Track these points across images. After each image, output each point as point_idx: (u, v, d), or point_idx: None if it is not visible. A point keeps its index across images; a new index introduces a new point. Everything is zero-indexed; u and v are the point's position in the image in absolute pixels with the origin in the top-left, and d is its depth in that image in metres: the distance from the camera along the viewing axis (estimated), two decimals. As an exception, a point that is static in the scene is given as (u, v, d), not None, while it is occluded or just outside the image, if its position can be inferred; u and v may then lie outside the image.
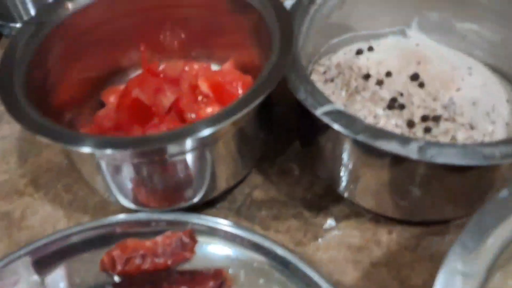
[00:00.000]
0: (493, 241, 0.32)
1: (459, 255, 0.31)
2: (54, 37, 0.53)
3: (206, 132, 0.41)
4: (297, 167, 0.57)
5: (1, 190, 0.57)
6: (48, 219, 0.54)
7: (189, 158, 0.46)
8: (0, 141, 0.63)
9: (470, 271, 0.30)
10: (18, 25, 0.72)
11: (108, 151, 0.41)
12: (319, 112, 0.42)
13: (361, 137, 0.40)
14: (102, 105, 0.60)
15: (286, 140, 0.60)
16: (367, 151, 0.44)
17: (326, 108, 0.42)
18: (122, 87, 0.59)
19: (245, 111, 0.43)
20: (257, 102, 0.43)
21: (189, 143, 0.43)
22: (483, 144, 0.40)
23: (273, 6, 0.51)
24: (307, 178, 0.56)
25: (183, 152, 0.45)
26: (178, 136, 0.42)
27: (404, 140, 0.39)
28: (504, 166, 0.43)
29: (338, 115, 0.42)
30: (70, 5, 0.54)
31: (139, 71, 0.62)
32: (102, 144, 0.41)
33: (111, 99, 0.59)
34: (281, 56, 0.46)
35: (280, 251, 0.46)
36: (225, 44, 0.61)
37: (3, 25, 0.72)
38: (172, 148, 0.43)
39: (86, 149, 0.41)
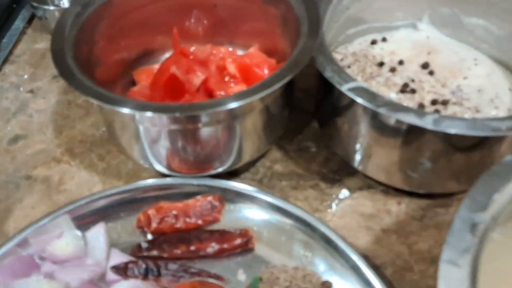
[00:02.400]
0: (499, 197, 0.37)
1: (469, 207, 0.36)
2: (97, 16, 0.57)
3: (236, 104, 0.46)
4: (314, 145, 0.62)
5: (39, 158, 0.61)
6: (84, 184, 0.58)
7: (219, 128, 0.50)
8: (36, 114, 0.67)
9: (479, 220, 0.35)
10: (51, 7, 0.76)
11: (148, 114, 0.45)
12: (345, 88, 0.47)
13: (382, 110, 0.45)
14: (133, 83, 0.65)
15: (303, 121, 0.65)
16: (384, 126, 0.48)
17: (351, 84, 0.47)
18: (152, 67, 0.64)
19: (274, 87, 0.47)
20: (286, 80, 0.48)
21: (220, 113, 0.47)
22: (490, 119, 0.44)
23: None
24: (323, 155, 0.61)
25: (214, 122, 0.49)
26: (212, 106, 0.47)
27: (421, 113, 0.44)
28: (505, 145, 0.48)
29: (362, 91, 0.47)
30: (112, -12, 0.58)
31: (167, 54, 0.67)
32: (142, 107, 0.46)
33: (143, 77, 0.64)
34: (309, 41, 0.51)
35: (300, 212, 0.51)
36: (251, 31, 0.65)
37: (36, 7, 0.77)
38: (205, 117, 0.48)
39: (127, 111, 0.45)
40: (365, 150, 0.53)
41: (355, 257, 0.48)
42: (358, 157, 0.55)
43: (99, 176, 0.59)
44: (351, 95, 0.46)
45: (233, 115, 0.50)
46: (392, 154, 0.51)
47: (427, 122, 0.43)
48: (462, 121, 0.44)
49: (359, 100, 0.46)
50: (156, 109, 0.45)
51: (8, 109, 0.68)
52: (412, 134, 0.47)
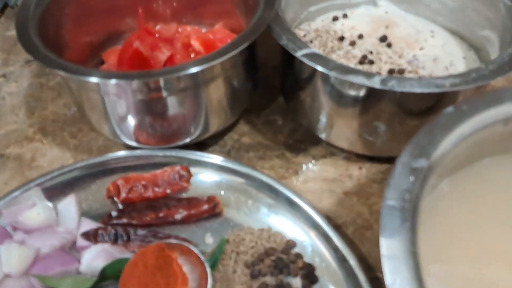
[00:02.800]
0: (440, 145, 0.39)
1: (411, 153, 0.38)
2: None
3: (196, 69, 0.47)
4: (280, 118, 0.64)
5: (11, 137, 0.63)
6: (56, 160, 0.60)
7: (184, 98, 0.52)
8: (8, 97, 0.68)
9: (419, 165, 0.38)
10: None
11: (113, 81, 0.47)
12: (299, 54, 0.49)
13: (333, 73, 0.47)
14: (102, 64, 0.66)
15: (271, 97, 0.67)
16: (340, 94, 0.51)
17: (305, 51, 0.49)
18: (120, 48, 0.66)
19: (232, 53, 0.49)
20: (242, 47, 0.50)
21: (181, 79, 0.49)
22: (434, 77, 0.47)
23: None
24: (289, 127, 0.63)
25: (178, 91, 0.51)
26: (171, 72, 0.48)
27: (369, 74, 0.47)
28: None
29: (315, 56, 0.49)
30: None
31: (136, 34, 0.68)
32: (108, 76, 0.47)
33: (112, 57, 0.66)
34: (265, 12, 0.53)
35: (265, 178, 0.53)
36: (214, 11, 0.68)
37: (8, -4, 0.78)
38: (166, 84, 0.49)
39: (94, 79, 0.47)
40: (327, 120, 0.55)
41: (317, 218, 0.50)
42: (321, 126, 0.57)
43: (71, 152, 0.61)
44: (305, 60, 0.48)
45: (195, 83, 0.51)
46: (351, 121, 0.53)
47: (374, 82, 0.46)
48: (408, 81, 0.46)
49: (312, 64, 0.48)
50: (117, 76, 0.47)
51: (-20, 93, 0.69)
52: (366, 99, 0.50)
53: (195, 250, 0.46)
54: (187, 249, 0.47)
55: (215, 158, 0.55)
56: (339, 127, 0.55)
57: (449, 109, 0.41)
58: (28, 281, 0.46)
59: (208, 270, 0.45)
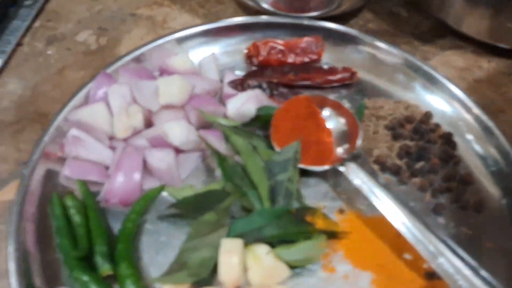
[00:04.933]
0: None
1: None
2: None
3: None
4: (404, 11, 0.64)
5: (141, 1, 0.64)
6: (187, 25, 0.61)
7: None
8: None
9: None
10: None
11: None
12: None
13: None
14: None
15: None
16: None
17: None
18: None
19: None
20: None
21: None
22: None
23: None
24: (414, 19, 0.63)
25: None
26: None
27: None
28: None
29: None
30: None
31: None
32: None
33: None
34: None
35: (403, 54, 0.54)
36: None
37: None
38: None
39: None
40: (464, 7, 0.55)
41: (455, 89, 0.51)
42: (455, 14, 0.57)
43: (200, 19, 0.62)
44: None
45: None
46: (495, 8, 0.53)
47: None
48: None
49: None
50: None
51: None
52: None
53: (346, 105, 0.48)
54: (338, 105, 0.49)
55: (351, 31, 0.56)
56: (478, 15, 0.55)
57: None
58: (183, 114, 0.48)
59: (359, 125, 0.47)
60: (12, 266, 0.38)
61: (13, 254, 0.39)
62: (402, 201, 0.42)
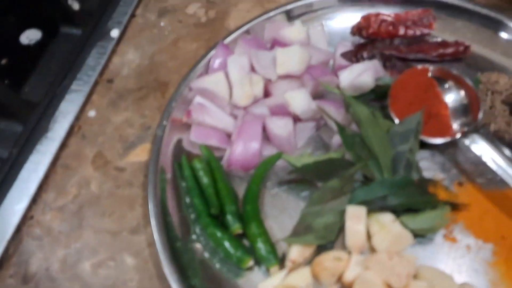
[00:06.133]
0: None
1: None
2: None
3: None
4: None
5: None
6: None
7: None
8: None
9: None
10: None
11: None
12: None
13: None
14: None
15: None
16: None
17: None
18: None
19: None
20: None
21: None
22: None
23: None
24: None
25: None
26: None
27: None
28: None
29: None
30: None
31: None
32: None
33: None
34: None
35: None
36: None
37: None
38: None
39: None
40: None
41: None
42: None
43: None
44: None
45: None
46: None
47: None
48: None
49: None
50: None
51: None
52: None
53: (467, 80, 0.48)
54: (459, 78, 0.48)
55: (464, 3, 0.55)
56: None
57: None
58: (299, 83, 0.49)
59: (480, 98, 0.46)
60: (153, 222, 0.41)
61: (153, 210, 0.42)
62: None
